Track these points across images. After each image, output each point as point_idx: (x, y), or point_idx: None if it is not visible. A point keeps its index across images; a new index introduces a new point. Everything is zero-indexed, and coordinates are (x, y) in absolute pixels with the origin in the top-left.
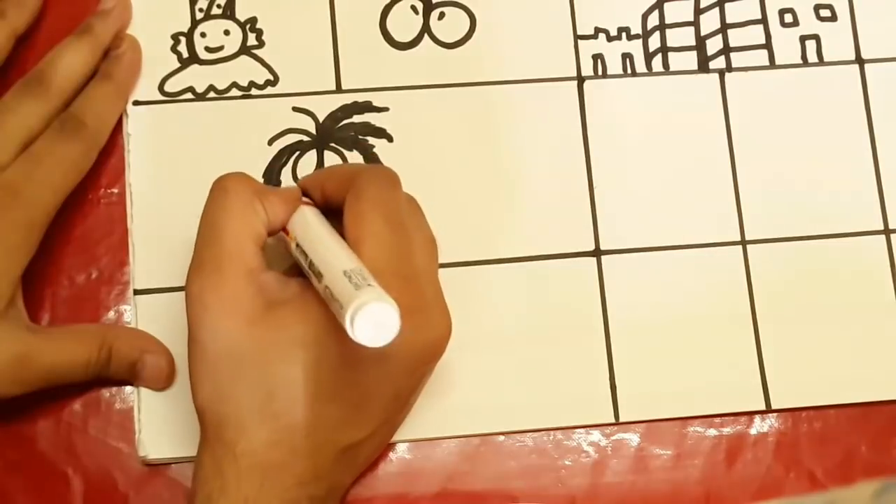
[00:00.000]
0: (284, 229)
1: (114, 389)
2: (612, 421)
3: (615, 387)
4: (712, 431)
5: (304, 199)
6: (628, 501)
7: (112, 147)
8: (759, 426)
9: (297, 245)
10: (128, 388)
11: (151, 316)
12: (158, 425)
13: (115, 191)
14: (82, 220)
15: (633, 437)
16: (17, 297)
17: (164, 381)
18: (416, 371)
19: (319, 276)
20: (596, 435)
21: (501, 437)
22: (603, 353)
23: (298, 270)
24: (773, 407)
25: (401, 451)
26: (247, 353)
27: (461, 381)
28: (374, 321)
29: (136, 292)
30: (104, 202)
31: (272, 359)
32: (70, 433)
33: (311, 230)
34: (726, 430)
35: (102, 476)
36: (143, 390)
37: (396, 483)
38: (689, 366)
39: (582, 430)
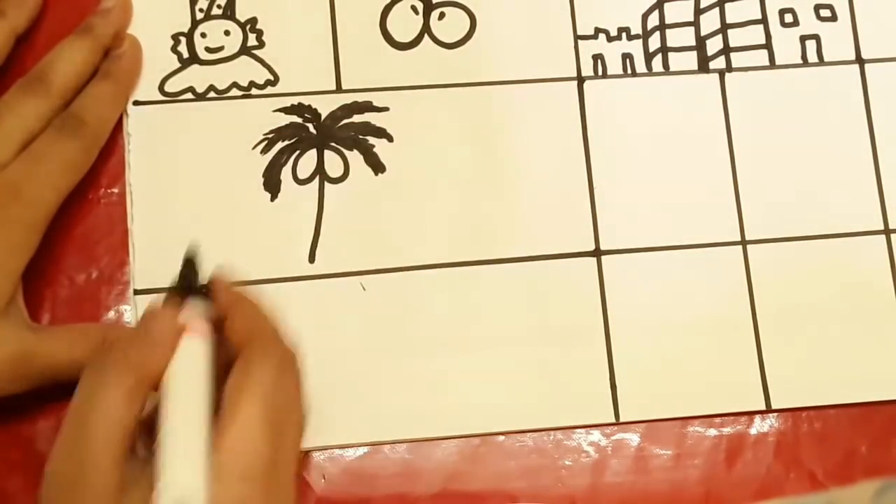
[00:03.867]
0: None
1: None
2: (613, 421)
3: (615, 386)
4: (712, 431)
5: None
6: (628, 501)
7: (112, 147)
8: (759, 426)
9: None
10: None
11: None
12: None
13: (115, 191)
14: (82, 220)
15: (633, 437)
16: (18, 296)
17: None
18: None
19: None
20: (596, 435)
21: (501, 437)
22: (603, 353)
23: None
24: (774, 407)
25: (401, 451)
26: None
27: (461, 381)
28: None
29: (136, 292)
30: (104, 202)
31: None
32: None
33: (184, 387)
34: (726, 430)
35: None
36: None
37: (396, 483)
38: (690, 366)
39: (582, 430)
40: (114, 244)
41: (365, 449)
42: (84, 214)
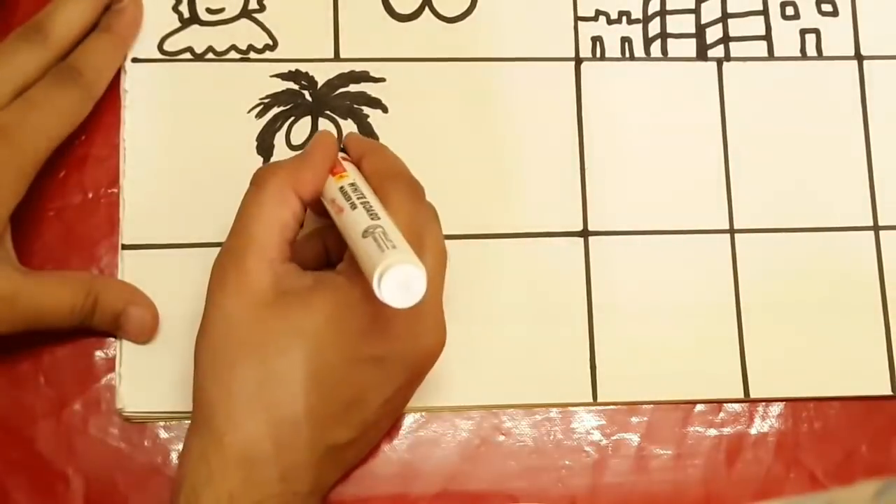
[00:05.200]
0: (334, 169)
1: (115, 390)
2: (591, 401)
3: (595, 367)
4: (712, 431)
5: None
6: (628, 501)
7: (111, 149)
8: (759, 426)
9: (352, 184)
10: (128, 388)
11: (138, 270)
12: (138, 380)
13: (115, 191)
14: (82, 220)
15: (633, 437)
16: (6, 238)
17: (146, 334)
18: (410, 377)
19: (375, 216)
20: (596, 435)
21: (501, 437)
22: (585, 334)
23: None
24: (752, 396)
25: (401, 451)
26: (248, 338)
27: (442, 354)
28: (400, 282)
29: (125, 247)
30: (104, 202)
31: (271, 348)
32: (70, 433)
33: (361, 181)
34: (726, 430)
35: (102, 476)
36: (126, 344)
37: (396, 483)
38: (670, 351)
39: (582, 431)
40: (114, 244)
41: None
42: (84, 214)
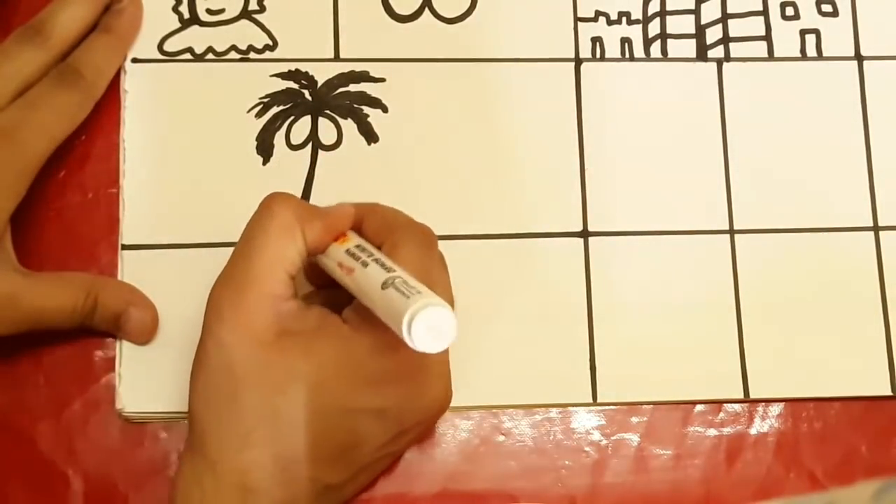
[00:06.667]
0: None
1: (115, 390)
2: (590, 401)
3: (595, 368)
4: (712, 431)
5: None
6: (628, 501)
7: (111, 149)
8: (759, 426)
9: (358, 245)
10: (128, 388)
11: (138, 270)
12: (138, 380)
13: (115, 191)
14: (82, 220)
15: (633, 437)
16: (6, 239)
17: (146, 336)
18: (410, 431)
19: (391, 269)
20: (596, 435)
21: (501, 437)
22: (585, 334)
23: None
24: (752, 396)
25: None
26: (246, 375)
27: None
28: (431, 325)
29: (125, 247)
30: (104, 202)
31: (269, 387)
32: (70, 433)
33: (366, 243)
34: (726, 430)
35: (102, 476)
36: (126, 344)
37: (396, 483)
38: (670, 351)
39: (582, 431)
40: (114, 244)
41: None
42: (84, 214)
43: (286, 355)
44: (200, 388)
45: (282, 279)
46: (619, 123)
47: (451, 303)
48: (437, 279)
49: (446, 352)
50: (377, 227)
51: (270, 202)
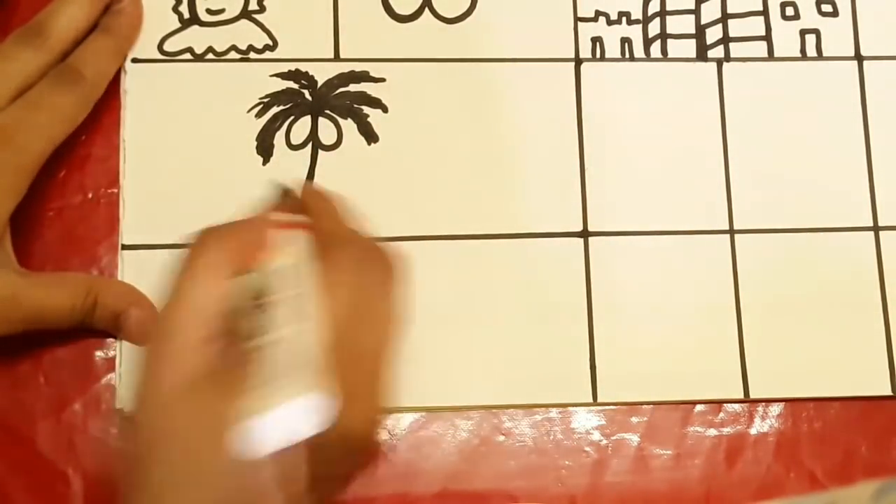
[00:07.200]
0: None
1: (115, 390)
2: (590, 401)
3: (595, 367)
4: (712, 431)
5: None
6: (628, 501)
7: (111, 149)
8: (759, 426)
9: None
10: (128, 389)
11: (138, 270)
12: None
13: (115, 191)
14: (82, 220)
15: (633, 437)
16: (6, 240)
17: (146, 336)
18: (328, 468)
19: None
20: (596, 435)
21: (501, 437)
22: (585, 334)
23: None
24: (752, 396)
25: (401, 451)
26: (164, 429)
27: (439, 354)
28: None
29: (125, 247)
30: (104, 202)
31: (183, 443)
32: (70, 433)
33: (288, 276)
34: (726, 430)
35: (102, 476)
36: (126, 344)
37: (396, 483)
38: (670, 351)
39: (582, 431)
40: (114, 244)
41: None
42: (84, 214)
43: (204, 407)
44: (139, 427)
45: (214, 319)
46: (619, 123)
47: (392, 323)
48: (372, 300)
49: (377, 371)
50: (322, 234)
51: (197, 243)
